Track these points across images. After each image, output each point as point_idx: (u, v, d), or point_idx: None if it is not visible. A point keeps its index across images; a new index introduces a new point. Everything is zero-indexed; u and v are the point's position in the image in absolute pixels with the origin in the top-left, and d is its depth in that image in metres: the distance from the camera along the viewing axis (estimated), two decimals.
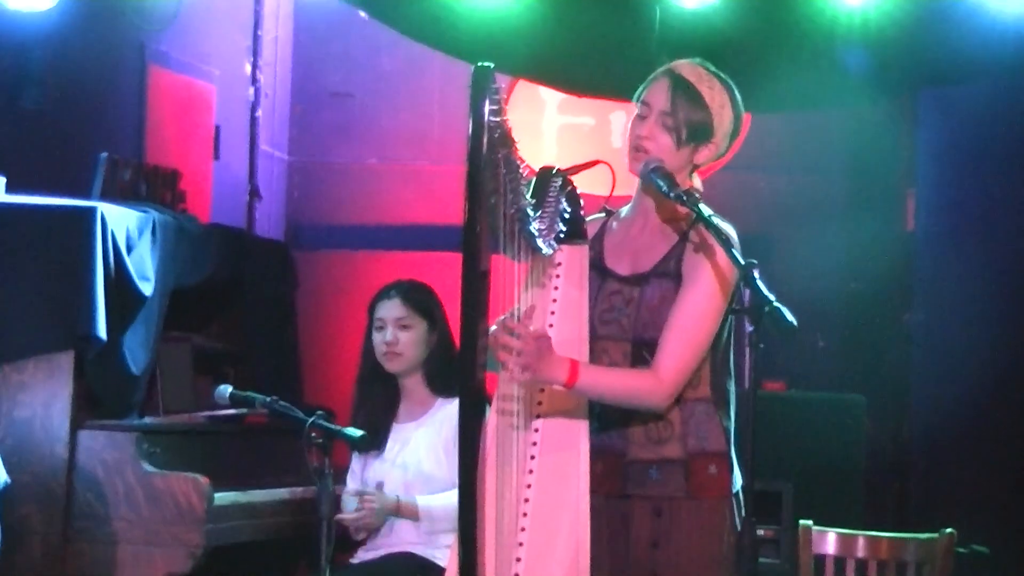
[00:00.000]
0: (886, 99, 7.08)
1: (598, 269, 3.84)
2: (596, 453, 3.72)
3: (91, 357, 5.12)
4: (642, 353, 3.71)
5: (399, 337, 5.12)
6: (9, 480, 4.83)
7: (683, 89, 3.74)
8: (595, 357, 3.74)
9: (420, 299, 5.18)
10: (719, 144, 3.79)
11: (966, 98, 6.97)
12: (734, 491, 3.74)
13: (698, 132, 3.75)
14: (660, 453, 3.73)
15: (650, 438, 3.73)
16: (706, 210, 3.61)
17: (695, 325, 3.68)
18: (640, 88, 3.82)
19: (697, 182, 3.82)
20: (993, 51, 6.29)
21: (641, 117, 3.77)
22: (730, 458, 3.75)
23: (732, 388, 3.79)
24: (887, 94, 6.93)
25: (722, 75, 3.81)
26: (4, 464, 4.84)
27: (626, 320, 3.76)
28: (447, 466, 4.97)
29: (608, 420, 3.74)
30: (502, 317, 3.62)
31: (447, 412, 5.04)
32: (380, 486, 5.05)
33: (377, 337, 5.15)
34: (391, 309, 5.15)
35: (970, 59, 6.36)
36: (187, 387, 5.65)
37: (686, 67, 3.79)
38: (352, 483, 5.20)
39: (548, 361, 3.56)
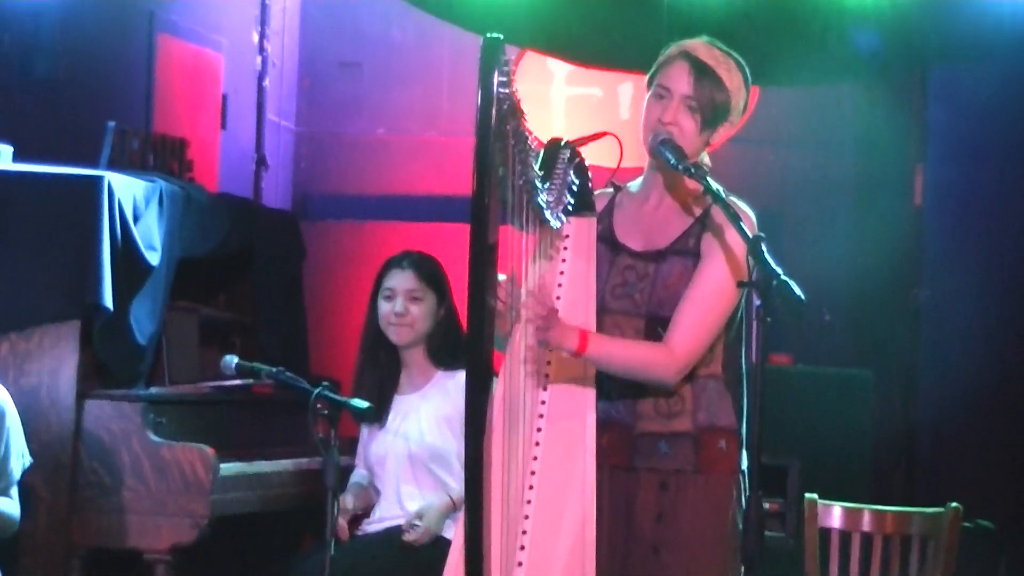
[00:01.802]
0: (896, 76, 7.07)
1: (609, 243, 3.83)
2: (604, 426, 3.73)
3: (98, 326, 5.11)
4: (656, 329, 3.71)
5: (409, 309, 5.09)
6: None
7: (705, 74, 3.72)
8: (606, 331, 3.74)
9: (431, 271, 5.14)
10: (733, 122, 3.80)
11: (977, 77, 6.95)
12: (741, 469, 3.74)
13: (719, 115, 3.75)
14: (670, 427, 3.73)
15: (660, 412, 3.73)
16: (714, 184, 3.61)
17: (710, 303, 3.69)
18: (654, 69, 3.79)
19: (705, 158, 3.82)
20: (1003, 32, 6.27)
21: (659, 98, 3.75)
22: (740, 435, 3.75)
23: (744, 366, 3.79)
24: (896, 71, 6.92)
25: (734, 54, 3.80)
26: None
27: (639, 296, 3.75)
28: (453, 438, 4.96)
29: (618, 393, 3.75)
30: (502, 277, 3.62)
31: (451, 384, 5.02)
32: (382, 461, 5.04)
33: (385, 307, 5.11)
34: (403, 280, 5.11)
35: (979, 39, 6.35)
36: (193, 357, 5.65)
37: (702, 49, 3.76)
38: (359, 458, 5.20)
39: (559, 328, 3.57)
